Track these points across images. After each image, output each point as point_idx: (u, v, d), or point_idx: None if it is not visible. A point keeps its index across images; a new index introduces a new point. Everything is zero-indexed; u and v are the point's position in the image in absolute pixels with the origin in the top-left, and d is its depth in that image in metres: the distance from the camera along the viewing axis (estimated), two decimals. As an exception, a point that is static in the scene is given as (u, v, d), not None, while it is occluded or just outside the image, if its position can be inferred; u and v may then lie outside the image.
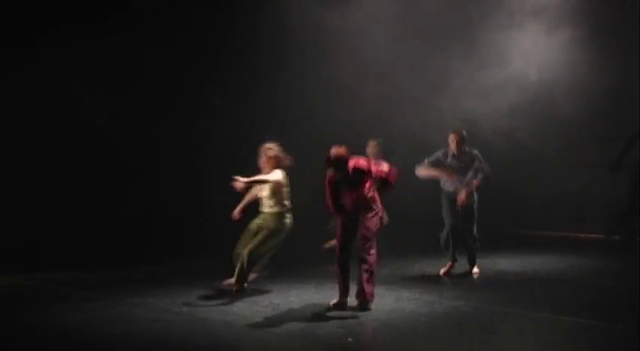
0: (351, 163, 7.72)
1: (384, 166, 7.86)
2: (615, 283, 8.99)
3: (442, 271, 9.53)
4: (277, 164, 8.54)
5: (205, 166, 12.10)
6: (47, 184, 11.01)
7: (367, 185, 7.75)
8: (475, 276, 9.53)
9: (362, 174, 7.74)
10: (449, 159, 9.49)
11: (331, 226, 9.66)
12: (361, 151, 9.28)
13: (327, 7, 11.70)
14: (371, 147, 10.13)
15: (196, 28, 11.87)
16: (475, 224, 9.56)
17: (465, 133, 9.56)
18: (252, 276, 8.66)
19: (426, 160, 9.52)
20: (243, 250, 8.42)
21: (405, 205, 11.08)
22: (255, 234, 8.55)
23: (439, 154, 9.56)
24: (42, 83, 10.82)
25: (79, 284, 9.21)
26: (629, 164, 11.51)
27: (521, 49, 11.98)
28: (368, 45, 12.03)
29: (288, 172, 8.64)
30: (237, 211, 8.80)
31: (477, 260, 9.65)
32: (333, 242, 9.19)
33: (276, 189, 8.51)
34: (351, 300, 7.83)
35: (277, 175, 8.48)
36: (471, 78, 11.96)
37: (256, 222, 8.65)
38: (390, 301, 8.05)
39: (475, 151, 9.55)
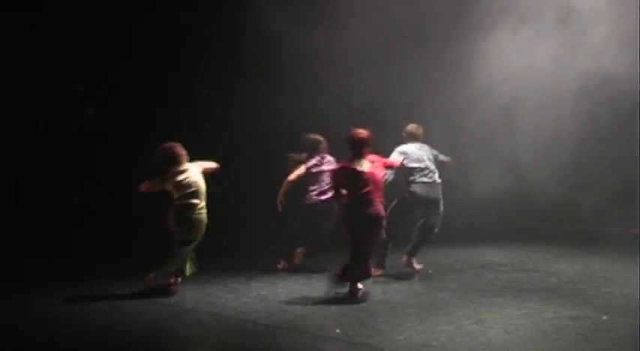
0: (373, 157, 8.03)
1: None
2: (603, 274, 9.04)
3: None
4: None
5: (193, 159, 12.09)
6: (33, 172, 10.98)
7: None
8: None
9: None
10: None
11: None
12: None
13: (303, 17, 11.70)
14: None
15: (182, 26, 11.89)
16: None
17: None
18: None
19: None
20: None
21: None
22: None
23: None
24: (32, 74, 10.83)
25: (66, 275, 9.17)
26: None
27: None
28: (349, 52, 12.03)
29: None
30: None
31: (467, 251, 9.66)
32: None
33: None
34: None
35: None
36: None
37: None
38: (378, 293, 8.07)
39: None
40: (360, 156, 7.95)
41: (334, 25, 11.75)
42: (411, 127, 9.47)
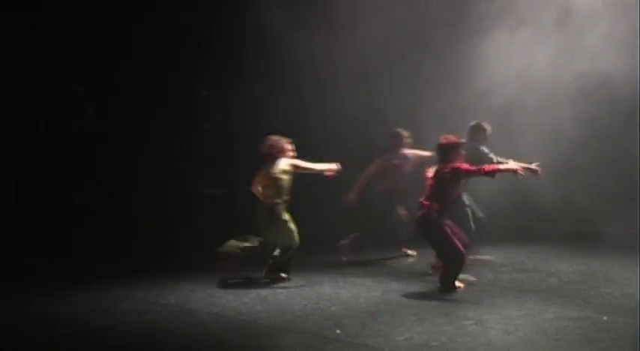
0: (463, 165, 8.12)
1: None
2: (603, 274, 9.04)
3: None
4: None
5: (194, 159, 12.10)
6: (33, 172, 10.98)
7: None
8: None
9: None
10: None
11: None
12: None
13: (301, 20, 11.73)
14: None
15: (182, 26, 11.90)
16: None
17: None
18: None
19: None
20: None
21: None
22: None
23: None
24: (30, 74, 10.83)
25: (66, 275, 9.16)
26: None
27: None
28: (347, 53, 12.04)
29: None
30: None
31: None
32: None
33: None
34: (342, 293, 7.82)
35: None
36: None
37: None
38: (379, 293, 8.08)
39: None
40: (444, 161, 8.13)
41: (334, 26, 11.76)
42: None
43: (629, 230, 11.38)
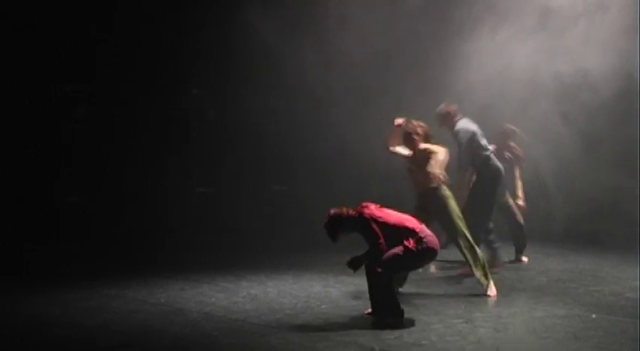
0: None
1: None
2: (592, 273, 9.08)
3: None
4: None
5: (184, 158, 12.10)
6: (22, 173, 10.96)
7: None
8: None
9: None
10: None
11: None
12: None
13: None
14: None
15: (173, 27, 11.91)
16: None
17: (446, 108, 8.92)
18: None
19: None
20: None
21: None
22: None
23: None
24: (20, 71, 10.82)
25: (55, 276, 9.14)
26: None
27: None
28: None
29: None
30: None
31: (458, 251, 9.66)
32: None
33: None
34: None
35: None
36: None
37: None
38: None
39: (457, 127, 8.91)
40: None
41: (321, 29, 11.77)
42: None
43: (619, 229, 11.44)
